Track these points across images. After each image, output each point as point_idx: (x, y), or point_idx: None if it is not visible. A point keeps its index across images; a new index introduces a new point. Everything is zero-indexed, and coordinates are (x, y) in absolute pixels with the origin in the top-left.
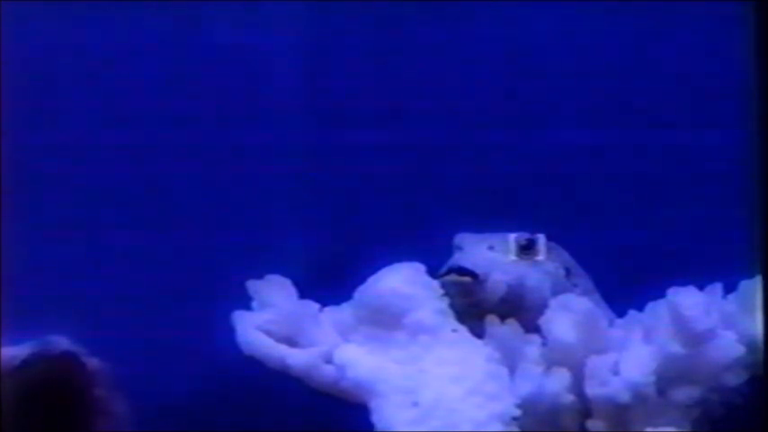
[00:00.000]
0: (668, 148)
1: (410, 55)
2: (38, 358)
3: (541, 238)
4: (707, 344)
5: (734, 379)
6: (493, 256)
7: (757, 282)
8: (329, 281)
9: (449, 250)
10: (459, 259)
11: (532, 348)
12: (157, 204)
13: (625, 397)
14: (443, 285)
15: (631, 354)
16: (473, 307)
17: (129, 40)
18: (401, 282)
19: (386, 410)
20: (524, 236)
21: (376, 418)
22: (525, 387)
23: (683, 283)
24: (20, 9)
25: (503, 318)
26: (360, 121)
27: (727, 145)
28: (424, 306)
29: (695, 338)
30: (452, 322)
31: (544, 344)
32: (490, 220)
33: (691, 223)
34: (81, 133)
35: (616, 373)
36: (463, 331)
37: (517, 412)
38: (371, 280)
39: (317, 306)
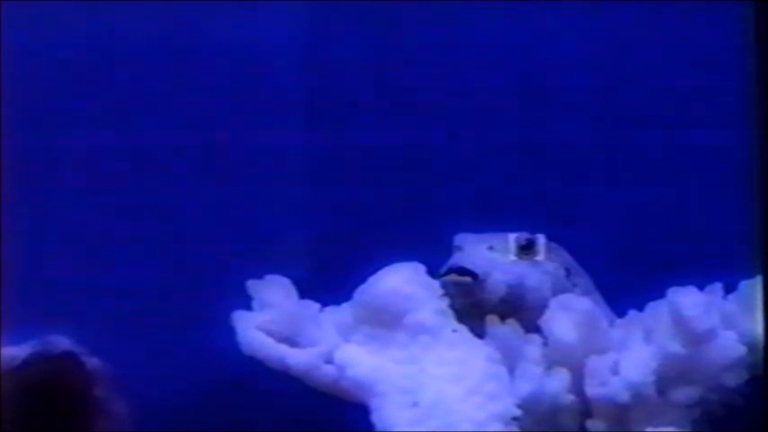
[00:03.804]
0: (668, 147)
1: (411, 54)
2: (38, 358)
3: (541, 238)
4: (707, 344)
5: (734, 379)
6: (493, 257)
7: (757, 282)
8: (329, 281)
9: (449, 250)
10: (459, 259)
11: (532, 348)
12: (157, 204)
13: (625, 397)
14: (443, 285)
15: (631, 354)
16: (473, 307)
17: (129, 40)
18: (401, 282)
19: (386, 410)
20: (524, 236)
21: (376, 418)
22: (525, 387)
23: (683, 283)
24: (20, 8)
25: (503, 318)
26: (360, 121)
27: (727, 145)
28: (424, 306)
29: (695, 338)
30: (452, 322)
31: (544, 344)
32: (490, 220)
33: (691, 223)
34: (80, 133)
35: (616, 373)
36: (463, 331)
37: (517, 412)
38: (371, 280)
39: (317, 306)
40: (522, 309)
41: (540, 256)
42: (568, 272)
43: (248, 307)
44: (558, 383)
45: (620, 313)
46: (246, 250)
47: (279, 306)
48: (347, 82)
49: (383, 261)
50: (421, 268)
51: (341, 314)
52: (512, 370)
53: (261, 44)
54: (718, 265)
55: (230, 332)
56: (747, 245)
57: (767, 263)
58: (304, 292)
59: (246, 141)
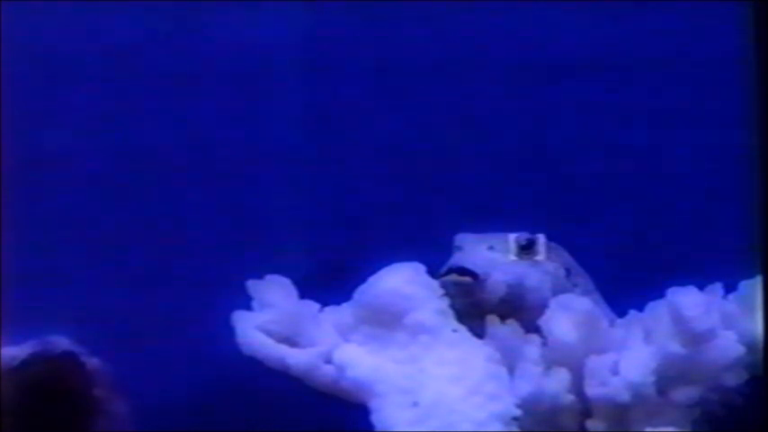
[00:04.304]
0: (669, 147)
1: (411, 54)
2: (38, 358)
3: (541, 238)
4: (707, 344)
5: (734, 379)
6: (493, 257)
7: (757, 282)
8: (329, 281)
9: (449, 250)
10: (459, 259)
11: (532, 348)
12: (157, 204)
13: (625, 397)
14: (443, 285)
15: (631, 354)
16: (473, 307)
17: (129, 39)
18: (401, 282)
19: (386, 410)
20: (524, 236)
21: (376, 418)
22: (525, 387)
23: (683, 283)
24: (19, 8)
25: (503, 318)
26: (360, 121)
27: (727, 145)
28: (424, 306)
29: (695, 338)
30: (452, 322)
31: (544, 344)
32: (490, 220)
33: (691, 223)
34: (81, 134)
35: (616, 373)
36: (463, 331)
37: (517, 412)
38: (371, 280)
39: (317, 306)
40: (522, 309)
41: (540, 256)
42: (568, 272)
43: (248, 307)
44: (557, 383)
45: (621, 313)
46: (246, 250)
47: (279, 306)
48: (347, 82)
49: (383, 261)
50: (421, 268)
51: (341, 314)
52: (512, 370)
53: (261, 44)
54: (718, 265)
55: (230, 332)
56: (747, 245)
57: (767, 263)
58: (304, 292)
59: (247, 141)
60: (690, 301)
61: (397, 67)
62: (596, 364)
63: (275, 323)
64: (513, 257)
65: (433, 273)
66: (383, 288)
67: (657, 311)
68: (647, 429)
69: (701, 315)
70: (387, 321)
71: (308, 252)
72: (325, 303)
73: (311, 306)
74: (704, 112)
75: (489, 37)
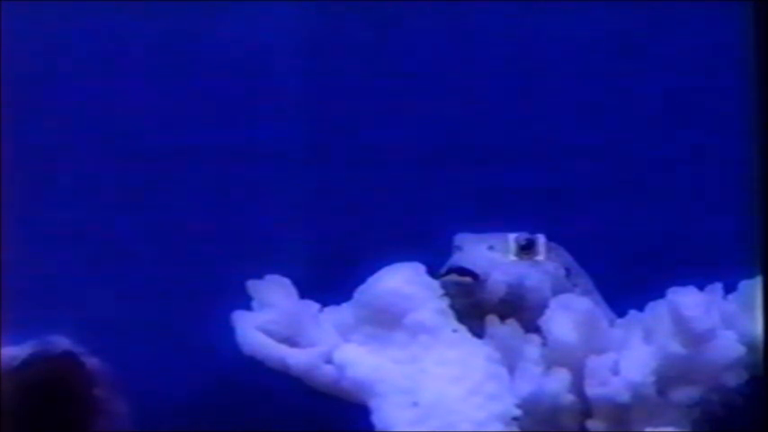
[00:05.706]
0: (668, 147)
1: (411, 54)
2: (38, 358)
3: (541, 238)
4: (707, 344)
5: (734, 379)
6: (493, 257)
7: (757, 282)
8: (329, 281)
9: (449, 250)
10: (459, 259)
11: (532, 348)
12: (157, 204)
13: (625, 397)
14: (443, 285)
15: (631, 354)
16: (473, 307)
17: (129, 39)
18: (401, 282)
19: (386, 410)
20: (524, 236)
21: (376, 418)
22: (525, 387)
23: (683, 283)
24: (20, 8)
25: (503, 318)
26: (360, 121)
27: (727, 145)
28: (424, 306)
29: (695, 338)
30: (452, 322)
31: (544, 344)
32: (490, 220)
33: (691, 223)
34: (81, 133)
35: (616, 373)
36: (463, 331)
37: (517, 412)
38: (371, 280)
39: (316, 306)
40: (522, 309)
41: (540, 256)
42: (568, 272)
43: (248, 307)
44: (557, 383)
45: (621, 313)
46: (246, 250)
47: (279, 306)
48: (347, 81)
49: (383, 261)
50: (421, 268)
51: (341, 314)
52: (512, 370)
53: (261, 43)
54: (718, 265)
55: (230, 332)
56: (747, 245)
57: (767, 263)
58: (304, 292)
59: (247, 141)
60: (690, 301)
61: (398, 67)
62: (596, 364)
63: (275, 323)
64: (513, 257)
65: (433, 273)
66: (383, 288)
67: (657, 311)
68: (647, 429)
69: (701, 315)
70: (387, 321)
71: (307, 252)
72: (325, 303)
73: (311, 306)
74: (704, 112)
75: (489, 36)
